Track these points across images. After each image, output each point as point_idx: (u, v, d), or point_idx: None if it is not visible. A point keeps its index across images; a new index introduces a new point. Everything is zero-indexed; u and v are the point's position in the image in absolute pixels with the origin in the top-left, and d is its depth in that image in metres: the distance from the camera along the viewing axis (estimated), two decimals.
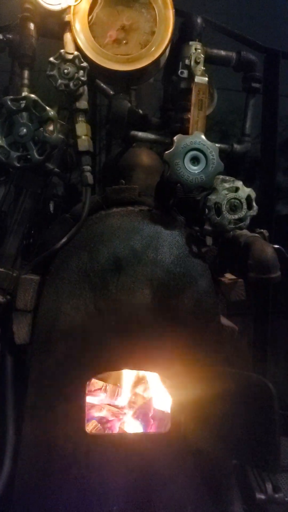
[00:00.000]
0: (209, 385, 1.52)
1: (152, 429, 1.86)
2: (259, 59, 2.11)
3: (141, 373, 2.02)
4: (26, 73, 1.68)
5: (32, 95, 1.52)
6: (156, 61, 1.73)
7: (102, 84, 2.14)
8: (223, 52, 2.00)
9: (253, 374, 1.46)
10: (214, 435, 1.52)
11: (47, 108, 1.51)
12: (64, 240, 1.65)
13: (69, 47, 1.65)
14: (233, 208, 1.58)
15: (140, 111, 2.04)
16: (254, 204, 1.60)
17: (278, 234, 2.26)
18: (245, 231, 1.66)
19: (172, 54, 1.89)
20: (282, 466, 1.83)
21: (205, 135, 1.65)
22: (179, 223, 1.77)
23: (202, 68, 1.82)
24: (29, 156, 1.52)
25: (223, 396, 1.49)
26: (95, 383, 2.06)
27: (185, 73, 1.82)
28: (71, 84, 1.58)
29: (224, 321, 1.75)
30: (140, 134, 1.99)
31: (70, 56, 1.57)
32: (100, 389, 2.06)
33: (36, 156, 1.51)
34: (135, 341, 1.64)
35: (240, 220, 1.60)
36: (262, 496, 1.68)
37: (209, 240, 1.87)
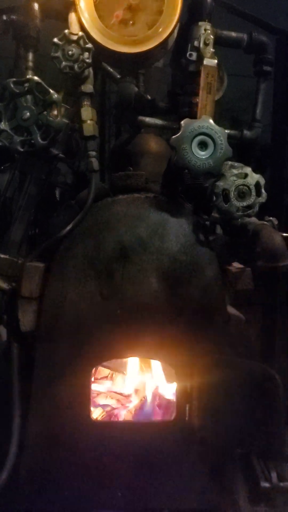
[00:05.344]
0: (215, 373, 1.51)
1: (158, 417, 1.86)
2: (271, 41, 2.04)
3: (148, 361, 2.01)
4: (30, 56, 1.65)
5: (36, 77, 1.49)
6: (164, 42, 1.68)
7: (109, 68, 2.09)
8: (233, 34, 1.94)
9: (259, 363, 1.45)
10: (219, 423, 1.51)
11: (51, 91, 1.48)
12: (69, 227, 1.63)
13: (74, 28, 1.60)
14: (242, 195, 1.54)
15: (148, 96, 2.00)
16: (263, 191, 1.56)
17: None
18: (253, 219, 1.62)
19: (181, 36, 1.84)
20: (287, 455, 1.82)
21: (215, 122, 1.60)
22: (186, 211, 1.74)
23: (212, 50, 1.76)
24: (32, 141, 1.49)
25: (228, 385, 1.48)
26: (101, 371, 2.06)
27: (194, 56, 1.76)
28: (75, 66, 1.54)
29: (231, 310, 1.72)
30: (148, 119, 1.94)
31: (75, 37, 1.53)
32: (106, 377, 2.06)
33: (40, 140, 1.49)
34: (140, 329, 1.63)
35: (249, 207, 1.56)
36: (267, 485, 1.67)
37: (217, 229, 1.84)
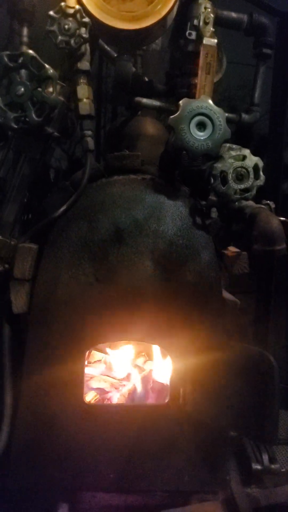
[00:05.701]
0: (209, 356, 1.51)
1: (151, 401, 1.86)
2: (272, 23, 2.00)
3: (142, 344, 2.01)
4: (25, 30, 1.61)
5: (30, 51, 1.44)
6: (163, 19, 1.63)
7: (106, 46, 2.03)
8: (234, 14, 1.89)
9: (254, 347, 1.44)
10: (213, 406, 1.52)
11: (46, 66, 1.43)
12: (62, 208, 1.60)
13: (71, 1, 1.55)
14: (240, 177, 1.52)
15: (146, 78, 1.95)
16: (261, 173, 1.54)
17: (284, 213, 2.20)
18: (251, 202, 1.60)
19: (180, 16, 1.79)
20: (280, 439, 1.84)
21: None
22: (183, 194, 1.72)
23: (212, 29, 1.72)
24: (27, 118, 1.45)
25: (223, 367, 1.48)
26: (95, 354, 2.05)
27: (193, 35, 1.72)
28: (72, 41, 1.49)
29: (226, 294, 1.71)
30: (145, 100, 1.90)
31: (71, 10, 1.48)
32: (100, 360, 2.06)
33: (34, 117, 1.45)
34: (135, 312, 1.61)
35: (247, 190, 1.55)
36: (258, 467, 1.69)
37: (215, 213, 1.81)
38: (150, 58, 2.40)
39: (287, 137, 2.18)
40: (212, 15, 1.70)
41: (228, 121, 1.93)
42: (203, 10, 1.70)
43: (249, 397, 1.38)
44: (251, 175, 1.52)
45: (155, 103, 1.91)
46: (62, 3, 1.50)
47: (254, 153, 1.57)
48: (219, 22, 1.85)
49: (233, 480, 1.63)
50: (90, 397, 1.83)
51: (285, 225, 1.57)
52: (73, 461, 1.60)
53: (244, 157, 1.53)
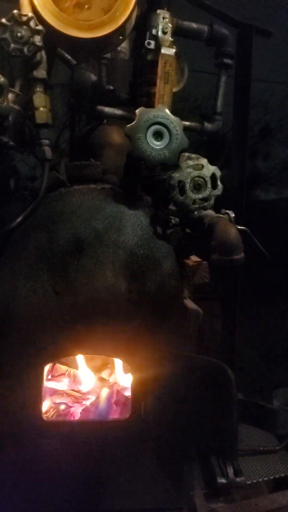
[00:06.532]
0: (169, 369, 1.48)
1: (115, 415, 1.81)
2: (232, 34, 2.02)
3: (107, 357, 1.96)
4: None
5: None
6: (120, 28, 1.63)
7: (66, 55, 2.01)
8: (194, 25, 1.90)
9: (212, 359, 1.42)
10: (173, 421, 1.48)
11: None
12: (19, 218, 1.56)
13: (25, 10, 1.52)
14: (197, 187, 1.51)
15: (111, 86, 1.94)
16: (219, 183, 1.53)
17: (253, 219, 2.21)
18: (210, 212, 1.59)
19: (141, 24, 1.79)
20: (243, 450, 1.82)
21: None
22: (144, 203, 1.70)
23: (170, 39, 1.72)
24: None
25: (183, 381, 1.45)
26: (59, 368, 2.00)
27: (152, 44, 1.72)
28: (25, 49, 1.46)
29: (190, 303, 1.70)
30: (107, 109, 1.88)
31: (24, 18, 1.45)
32: (63, 374, 2.00)
33: None
34: (94, 325, 1.58)
35: (205, 199, 1.54)
36: (223, 480, 1.66)
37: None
38: (117, 67, 2.39)
39: (257, 148, 2.20)
40: (170, 25, 1.70)
41: (190, 129, 1.94)
42: (161, 20, 1.70)
43: (207, 411, 1.35)
44: (209, 185, 1.51)
45: (117, 112, 1.89)
46: (15, 11, 1.47)
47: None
48: (180, 32, 1.86)
49: (197, 496, 1.59)
50: (51, 412, 1.77)
51: (244, 234, 1.57)
52: (29, 483, 1.54)
53: (201, 167, 1.52)
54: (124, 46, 2.20)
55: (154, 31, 1.70)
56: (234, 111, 2.14)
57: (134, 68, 2.07)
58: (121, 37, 1.71)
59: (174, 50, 1.67)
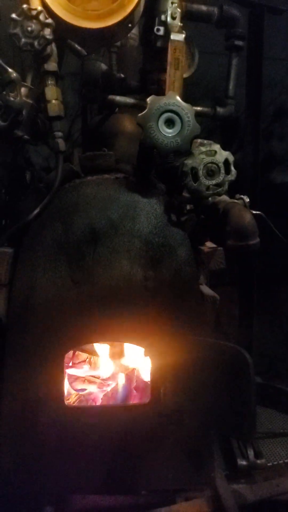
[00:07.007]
0: (187, 355, 1.50)
1: (135, 400, 1.86)
2: (243, 15, 1.98)
3: (126, 344, 2.00)
4: None
5: None
6: (129, 17, 1.62)
7: (76, 45, 2.02)
8: (203, 7, 1.88)
9: (230, 344, 1.44)
10: (192, 404, 1.51)
11: (9, 69, 1.42)
12: (36, 211, 1.59)
13: (35, 4, 1.53)
14: (210, 173, 1.51)
15: (121, 75, 1.93)
16: (232, 168, 1.52)
17: (269, 203, 2.18)
18: (224, 197, 1.59)
19: (150, 10, 1.77)
20: (263, 433, 1.84)
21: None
22: (157, 191, 1.71)
23: (179, 24, 1.70)
24: None
25: (201, 365, 1.47)
26: (79, 355, 2.05)
27: (162, 30, 1.71)
28: (35, 43, 1.48)
29: (206, 290, 1.71)
30: (118, 98, 1.89)
31: (34, 12, 1.46)
32: (84, 361, 2.05)
33: (0, 122, 1.43)
34: (113, 313, 1.61)
35: (218, 185, 1.53)
36: (244, 462, 1.69)
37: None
38: (127, 54, 2.38)
39: (272, 129, 2.17)
40: (179, 9, 1.69)
41: (203, 115, 1.93)
42: (170, 5, 1.68)
43: (225, 395, 1.38)
44: (222, 170, 1.50)
45: (129, 100, 1.90)
46: (24, 5, 1.48)
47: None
48: (189, 16, 1.84)
49: (218, 477, 1.63)
50: (73, 399, 1.83)
51: (260, 219, 1.56)
52: (58, 465, 1.60)
53: (214, 153, 1.51)
54: (134, 32, 2.18)
55: (163, 17, 1.69)
56: (247, 93, 2.10)
57: (144, 55, 2.06)
58: (130, 25, 1.69)
59: (183, 35, 1.65)
